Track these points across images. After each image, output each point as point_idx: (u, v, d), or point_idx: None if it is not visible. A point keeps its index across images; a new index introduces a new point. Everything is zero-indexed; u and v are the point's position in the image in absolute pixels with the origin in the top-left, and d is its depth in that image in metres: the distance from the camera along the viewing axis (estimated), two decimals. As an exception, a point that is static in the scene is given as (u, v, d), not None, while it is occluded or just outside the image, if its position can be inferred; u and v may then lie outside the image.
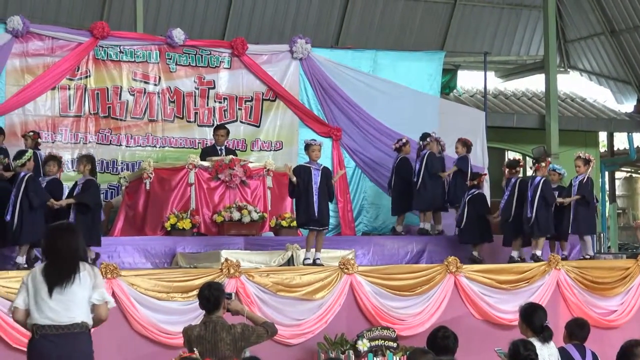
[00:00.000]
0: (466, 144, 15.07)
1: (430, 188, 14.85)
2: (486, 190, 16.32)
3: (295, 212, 13.17)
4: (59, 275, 6.95)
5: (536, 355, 7.39)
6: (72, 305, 6.95)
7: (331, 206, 13.82)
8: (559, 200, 13.85)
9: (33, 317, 6.98)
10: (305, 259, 12.29)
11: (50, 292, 6.92)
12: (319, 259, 12.31)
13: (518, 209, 13.87)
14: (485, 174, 14.76)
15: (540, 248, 13.69)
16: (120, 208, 14.34)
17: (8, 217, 11.68)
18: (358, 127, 16.53)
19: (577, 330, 8.80)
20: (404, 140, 15.33)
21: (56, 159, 12.72)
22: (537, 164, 14.02)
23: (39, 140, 13.93)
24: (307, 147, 12.83)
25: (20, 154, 12.14)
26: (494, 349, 8.11)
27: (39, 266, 7.16)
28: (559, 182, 14.40)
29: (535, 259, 13.45)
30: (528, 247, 13.96)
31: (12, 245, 12.05)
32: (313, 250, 12.34)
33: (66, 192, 12.83)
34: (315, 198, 12.48)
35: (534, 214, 13.55)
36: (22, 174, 11.83)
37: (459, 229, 14.42)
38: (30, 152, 12.29)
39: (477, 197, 14.33)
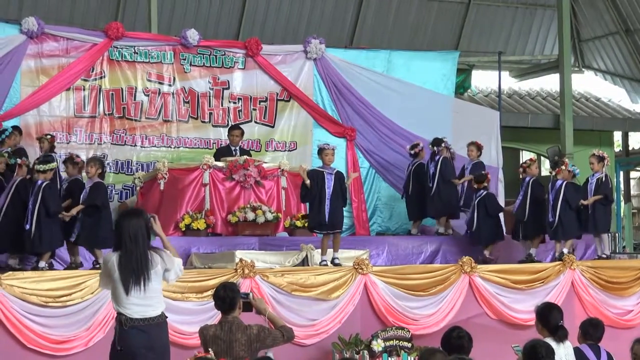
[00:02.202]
0: (480, 149, 15.00)
1: (444, 194, 14.78)
2: (500, 190, 16.32)
3: (308, 215, 13.21)
4: (132, 274, 7.28)
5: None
6: (152, 299, 7.35)
7: (345, 206, 13.80)
8: (583, 202, 13.77)
9: (117, 307, 7.35)
10: (321, 261, 12.28)
11: (126, 291, 7.26)
12: (337, 258, 12.32)
13: (532, 207, 13.85)
14: (488, 173, 14.64)
15: (567, 247, 13.63)
16: (135, 208, 14.35)
17: (28, 226, 11.60)
18: (372, 127, 16.50)
19: (592, 330, 8.76)
20: (421, 146, 15.23)
21: (72, 162, 12.60)
22: (557, 168, 13.88)
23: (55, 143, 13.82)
24: (321, 151, 12.82)
25: (46, 161, 11.93)
26: (511, 345, 8.09)
27: (116, 257, 7.38)
28: (572, 180, 14.32)
29: (560, 256, 13.37)
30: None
31: (31, 255, 11.96)
32: (329, 251, 12.35)
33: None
34: (327, 202, 12.50)
35: (556, 218, 13.51)
36: (39, 182, 11.66)
37: (470, 232, 14.33)
38: (55, 163, 12.21)
39: (485, 198, 14.17)
